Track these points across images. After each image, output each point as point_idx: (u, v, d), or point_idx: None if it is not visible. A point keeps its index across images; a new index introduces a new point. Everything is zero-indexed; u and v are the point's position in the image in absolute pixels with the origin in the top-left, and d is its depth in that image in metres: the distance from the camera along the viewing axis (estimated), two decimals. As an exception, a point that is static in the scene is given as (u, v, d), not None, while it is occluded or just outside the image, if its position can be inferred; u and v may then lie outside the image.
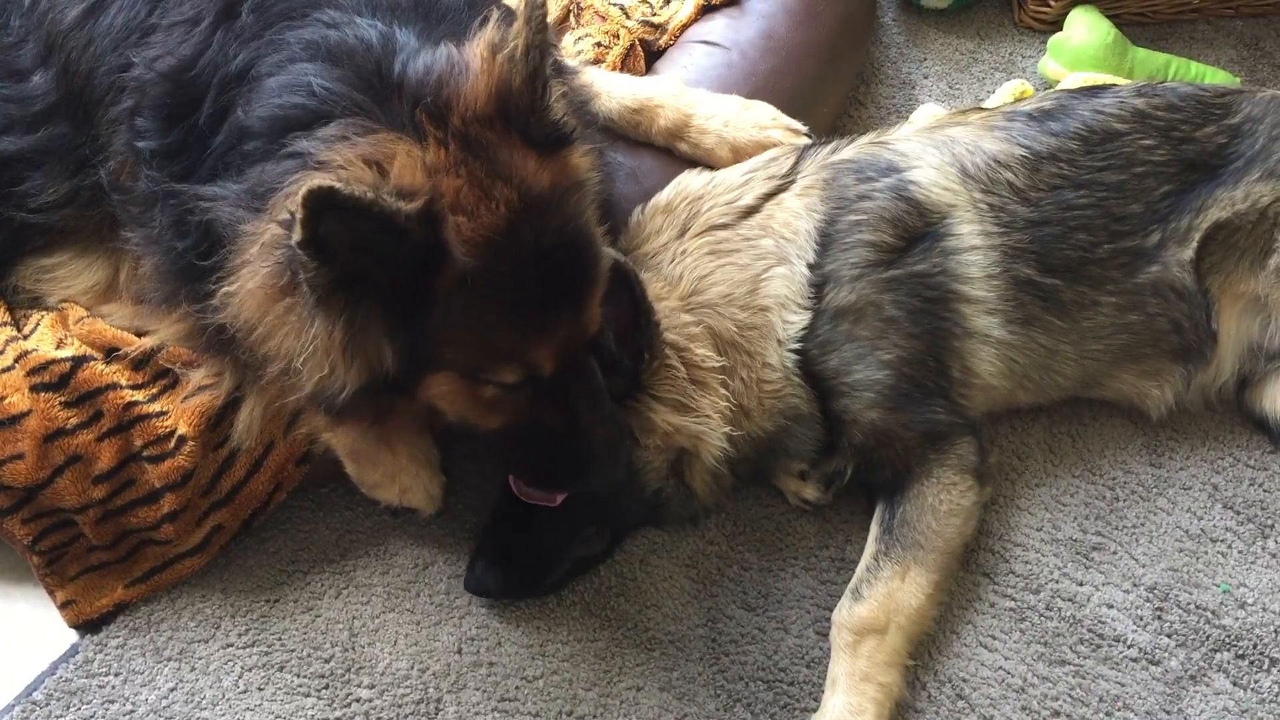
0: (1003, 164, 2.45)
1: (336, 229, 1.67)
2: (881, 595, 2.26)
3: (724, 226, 2.43)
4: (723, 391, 2.31)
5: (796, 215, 2.41)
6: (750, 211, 2.44)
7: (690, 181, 2.52)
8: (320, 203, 1.63)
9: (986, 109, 2.64)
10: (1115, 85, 2.69)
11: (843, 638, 2.25)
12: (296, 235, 1.66)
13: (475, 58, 1.83)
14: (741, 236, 2.42)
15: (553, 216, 1.87)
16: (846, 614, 2.26)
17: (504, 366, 1.94)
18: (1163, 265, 2.46)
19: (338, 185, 1.64)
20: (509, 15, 1.87)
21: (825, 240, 2.39)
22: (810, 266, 2.37)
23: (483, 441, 2.24)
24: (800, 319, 2.35)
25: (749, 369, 2.35)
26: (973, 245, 2.40)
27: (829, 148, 2.53)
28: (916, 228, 2.39)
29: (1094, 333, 2.48)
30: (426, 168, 1.78)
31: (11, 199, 2.31)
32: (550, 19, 1.80)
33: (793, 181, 2.47)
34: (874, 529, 2.37)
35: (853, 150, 2.51)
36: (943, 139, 2.50)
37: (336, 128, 1.82)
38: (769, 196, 2.46)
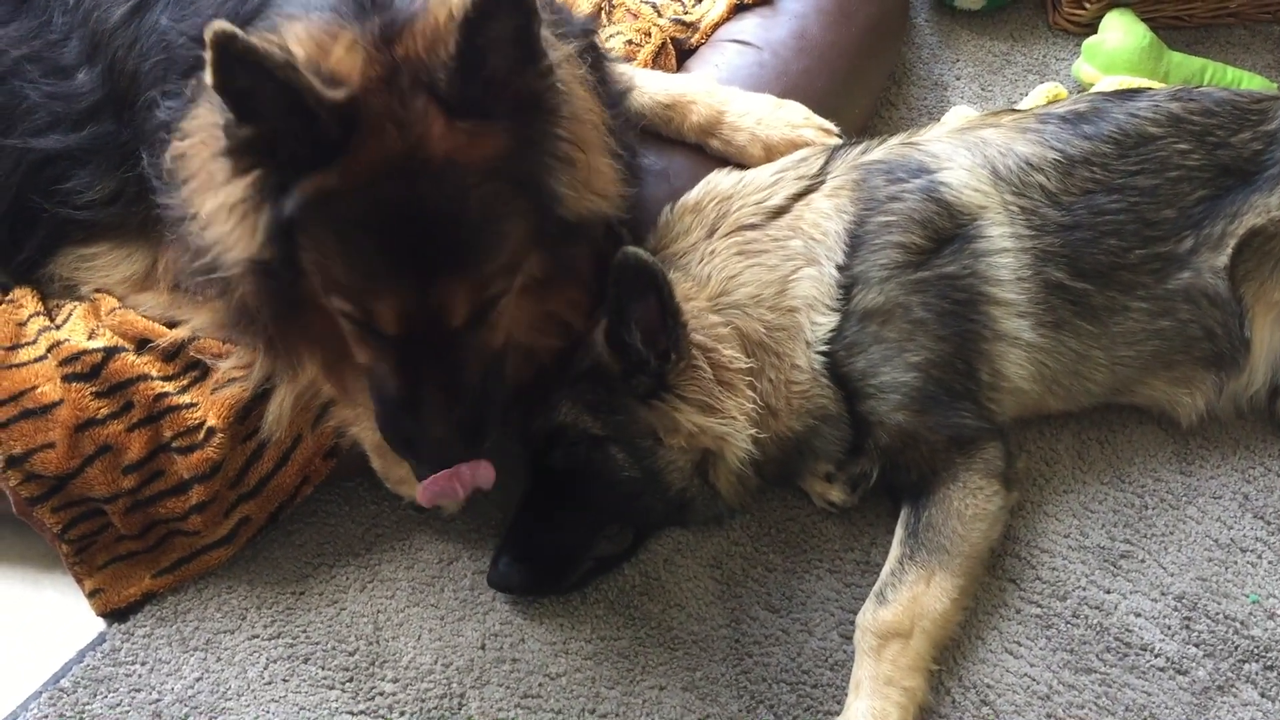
0: (1035, 167, 2.43)
1: (252, 85, 1.68)
2: (906, 599, 2.25)
3: (753, 227, 2.42)
4: (749, 393, 2.30)
5: (826, 216, 2.40)
6: (779, 212, 2.43)
7: (719, 181, 2.51)
8: (224, 48, 1.63)
9: (1020, 111, 2.61)
10: (1150, 89, 2.67)
11: (867, 641, 2.24)
12: (208, 76, 1.67)
13: (432, 3, 1.81)
14: (770, 237, 2.40)
15: (433, 183, 1.80)
16: (871, 618, 2.25)
17: (341, 298, 1.91)
18: (1195, 271, 2.44)
19: (240, 33, 1.63)
20: None
21: (855, 241, 2.37)
22: (839, 268, 2.36)
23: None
24: (829, 320, 2.34)
25: (777, 370, 2.34)
26: (1003, 248, 2.38)
27: (859, 148, 2.51)
28: (946, 229, 2.38)
29: (1125, 338, 2.46)
30: (364, 68, 1.77)
31: (56, 195, 2.33)
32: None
33: (822, 182, 2.45)
34: (899, 532, 2.36)
35: (883, 151, 2.50)
36: (974, 140, 2.48)
37: (302, 18, 1.84)
38: (798, 197, 2.44)
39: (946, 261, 2.37)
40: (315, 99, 1.69)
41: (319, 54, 1.76)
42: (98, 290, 2.42)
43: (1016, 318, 2.39)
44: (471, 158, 1.81)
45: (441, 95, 1.78)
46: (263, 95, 1.69)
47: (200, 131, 1.92)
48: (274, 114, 1.72)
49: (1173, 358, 2.49)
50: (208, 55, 1.64)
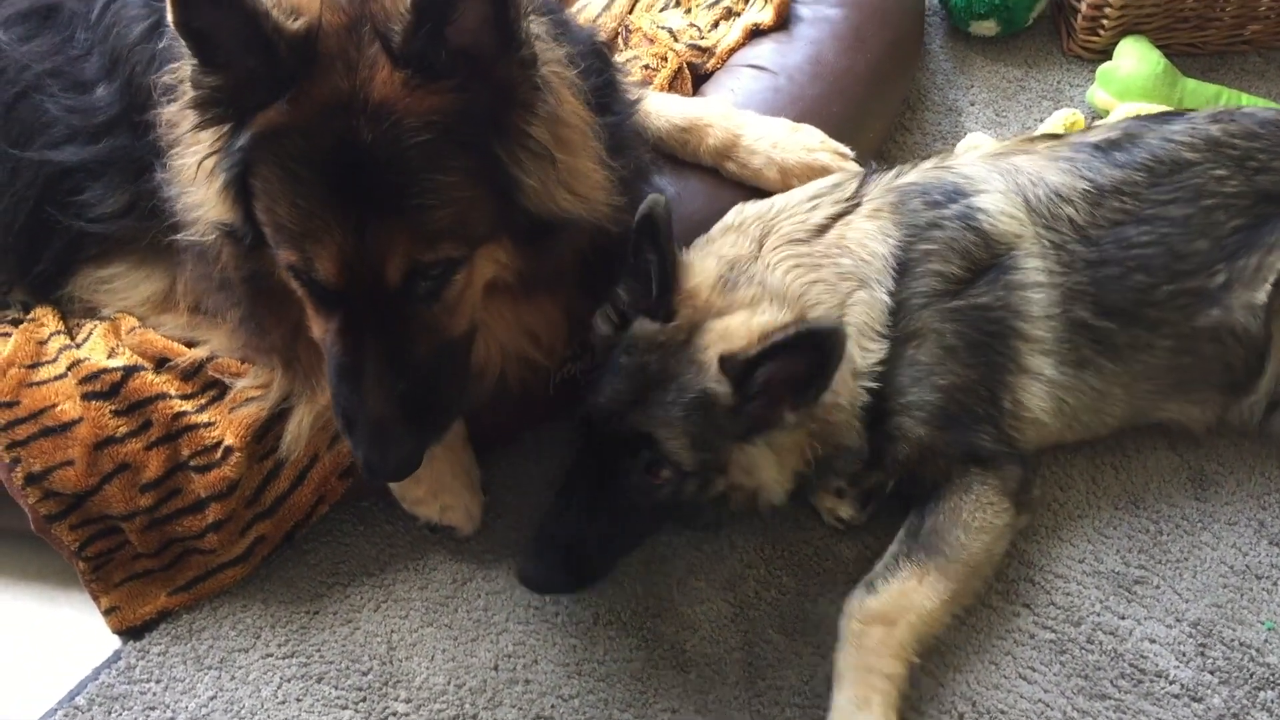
0: (1064, 198, 2.39)
1: (212, 20, 1.71)
2: (895, 592, 2.26)
3: (802, 241, 2.37)
4: (806, 437, 2.27)
5: (871, 237, 2.36)
6: (823, 229, 2.39)
7: (751, 207, 2.48)
8: None
9: (1053, 136, 2.59)
10: (1188, 111, 2.59)
11: (850, 627, 2.24)
12: (169, 14, 1.71)
13: None
14: (821, 253, 2.35)
15: (370, 125, 1.81)
16: (857, 604, 2.26)
17: (285, 245, 1.91)
18: (1225, 309, 2.40)
19: None
20: None
21: (901, 268, 2.34)
22: (890, 294, 2.32)
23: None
24: (878, 348, 2.30)
25: (828, 400, 2.25)
26: (1036, 281, 2.36)
27: (891, 173, 2.49)
28: (984, 260, 2.36)
29: (1145, 374, 2.44)
30: (326, 5, 1.81)
31: (71, 208, 2.35)
32: None
33: (859, 204, 2.42)
34: (900, 534, 2.36)
35: (917, 174, 2.47)
36: (1007, 167, 2.45)
37: None
38: (837, 218, 2.40)
39: (981, 292, 2.35)
40: (273, 27, 1.73)
41: None
42: (119, 311, 2.44)
43: (1041, 355, 2.37)
44: (410, 107, 1.83)
45: (392, 46, 1.81)
46: (224, 32, 1.72)
47: (184, 101, 1.95)
48: (235, 51, 1.75)
49: (1189, 385, 2.49)
50: None
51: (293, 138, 1.82)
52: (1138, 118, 2.67)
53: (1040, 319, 2.36)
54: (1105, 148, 2.46)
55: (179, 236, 2.09)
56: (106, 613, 2.38)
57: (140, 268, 2.40)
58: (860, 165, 2.66)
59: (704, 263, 2.33)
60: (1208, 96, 3.17)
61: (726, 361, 2.13)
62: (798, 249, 2.35)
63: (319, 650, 2.35)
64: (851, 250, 2.35)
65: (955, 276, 2.34)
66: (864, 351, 2.29)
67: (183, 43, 1.76)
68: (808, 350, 2.09)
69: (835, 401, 2.25)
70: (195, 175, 1.93)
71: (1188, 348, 2.42)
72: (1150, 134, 2.47)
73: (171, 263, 2.34)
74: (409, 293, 1.93)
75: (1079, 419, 2.46)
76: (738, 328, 2.19)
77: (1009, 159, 2.48)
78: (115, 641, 2.39)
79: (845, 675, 2.21)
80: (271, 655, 2.35)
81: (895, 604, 2.25)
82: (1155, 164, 2.41)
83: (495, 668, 2.34)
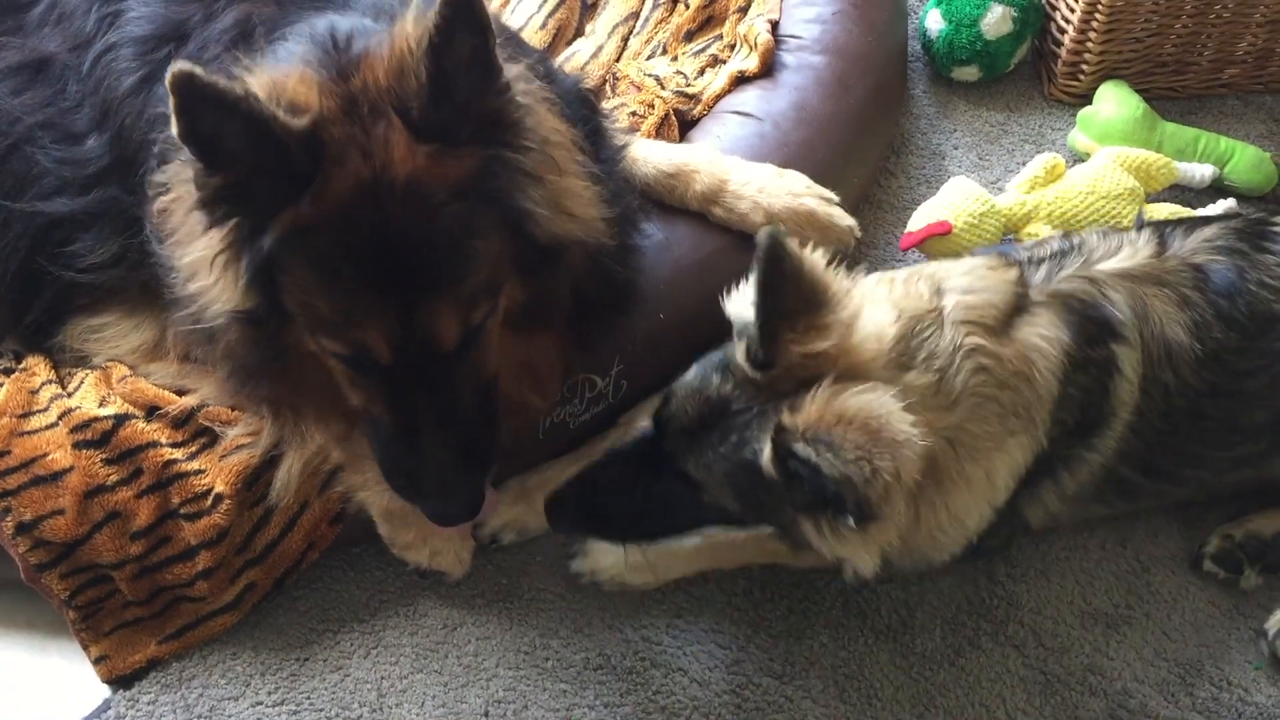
0: (1173, 363, 2.16)
1: (218, 127, 1.70)
2: None
3: (992, 332, 2.01)
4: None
5: (1049, 366, 2.04)
6: (1007, 320, 2.04)
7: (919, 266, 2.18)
8: (183, 88, 1.65)
9: (1191, 243, 2.25)
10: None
11: None
12: (173, 126, 1.70)
13: (397, 34, 1.84)
14: (1011, 366, 2.02)
15: (401, 206, 1.81)
16: None
17: (330, 336, 1.93)
18: (1259, 469, 2.36)
19: (199, 72, 1.65)
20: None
21: (1056, 407, 2.08)
22: (1040, 440, 2.09)
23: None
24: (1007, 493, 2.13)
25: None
26: (1100, 454, 2.21)
27: (1044, 267, 2.16)
28: (1090, 421, 2.16)
29: (1149, 506, 2.46)
30: (321, 98, 1.80)
31: (61, 258, 2.36)
32: (482, 16, 1.75)
33: (1027, 296, 2.10)
34: None
35: (1074, 284, 2.13)
36: (1143, 308, 2.14)
37: (275, 64, 1.90)
38: (1016, 309, 2.07)
39: (1063, 445, 2.16)
40: (281, 128, 1.73)
41: (276, 89, 1.79)
42: (110, 360, 2.46)
43: (1058, 500, 2.26)
44: (437, 179, 1.83)
45: (413, 121, 1.81)
46: (229, 135, 1.72)
47: (178, 186, 1.97)
48: (242, 154, 1.75)
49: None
50: (170, 101, 1.66)
51: (323, 235, 1.81)
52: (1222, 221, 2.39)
53: (1082, 476, 2.23)
54: (1228, 293, 2.18)
55: (177, 316, 2.10)
56: (96, 661, 2.37)
57: (131, 317, 2.42)
58: (844, 209, 2.68)
59: (878, 311, 1.99)
60: (1186, 140, 3.21)
61: (778, 435, 1.83)
62: (987, 344, 2.00)
63: (309, 698, 2.35)
64: (1035, 380, 2.04)
65: (1067, 424, 2.13)
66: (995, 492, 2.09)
67: (186, 150, 1.75)
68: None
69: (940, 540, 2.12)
70: (208, 271, 1.91)
71: (1206, 493, 2.45)
72: (1251, 269, 2.22)
73: (161, 312, 2.36)
74: (458, 353, 1.96)
75: (1063, 523, 2.46)
76: (848, 407, 1.80)
77: (1145, 291, 2.16)
78: (105, 691, 2.38)
79: None
80: (262, 703, 2.34)
81: None
82: (1248, 321, 2.19)
83: (486, 714, 2.34)
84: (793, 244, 1.86)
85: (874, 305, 1.99)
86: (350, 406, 2.09)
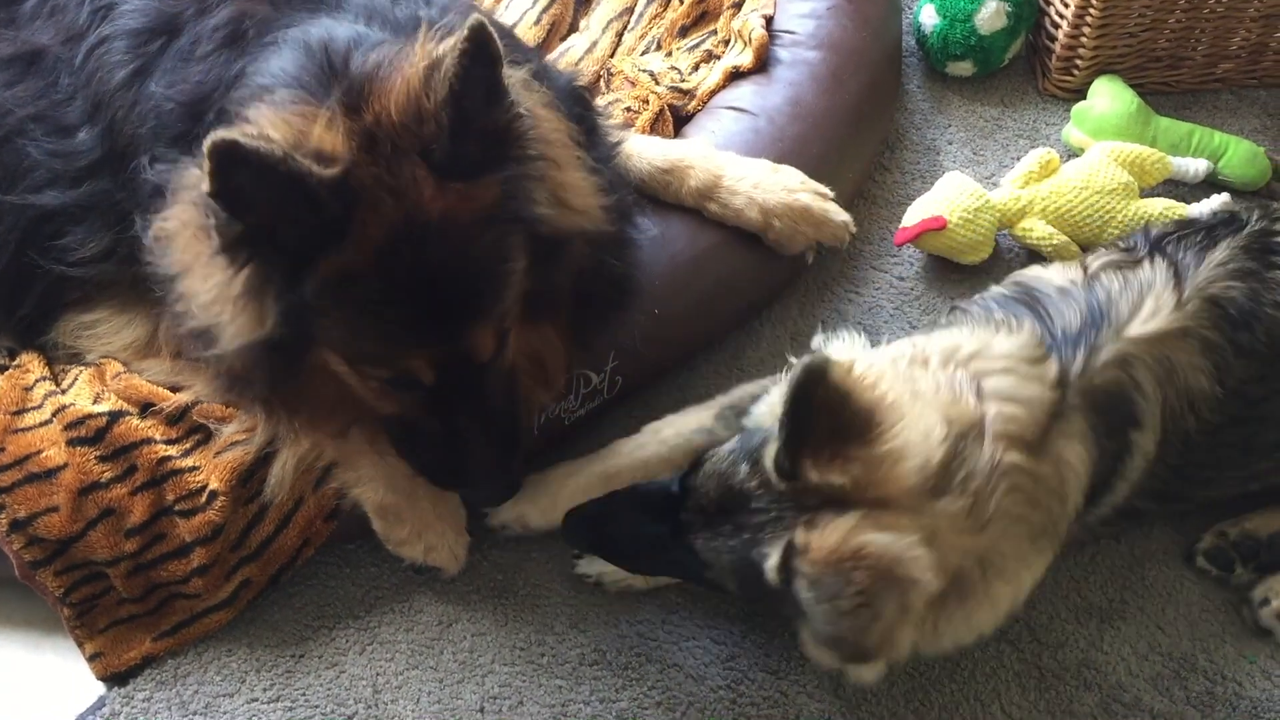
0: (1194, 407, 2.13)
1: (249, 183, 1.72)
2: None
3: (1030, 449, 1.95)
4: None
5: (1079, 484, 2.04)
6: (1043, 437, 1.98)
7: (953, 336, 2.10)
8: (224, 156, 1.67)
9: (1205, 273, 2.19)
10: None
11: None
12: (205, 186, 1.72)
13: (404, 64, 1.86)
14: (1046, 485, 1.99)
15: (438, 245, 1.86)
16: None
17: (373, 365, 2.01)
18: (1266, 482, 2.39)
19: (242, 139, 1.67)
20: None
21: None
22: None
23: (385, 426, 2.25)
24: None
25: None
26: (1108, 507, 2.19)
27: (1081, 355, 2.06)
28: (1099, 492, 2.14)
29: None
30: (346, 142, 1.82)
31: (51, 252, 2.36)
32: (495, 49, 1.78)
33: (1065, 404, 2.02)
34: None
35: (1105, 374, 2.06)
36: (1169, 367, 2.10)
37: (271, 96, 1.90)
38: (1052, 414, 1.99)
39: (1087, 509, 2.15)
40: (317, 181, 1.74)
41: (300, 137, 1.80)
42: (103, 357, 2.45)
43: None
44: (465, 213, 1.87)
45: (436, 163, 1.84)
46: (257, 190, 1.73)
47: (181, 215, 1.97)
48: (269, 205, 1.76)
49: None
50: (205, 165, 1.69)
51: (365, 281, 1.85)
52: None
53: (1089, 521, 2.20)
54: (1246, 323, 2.16)
55: (173, 323, 2.15)
56: (91, 659, 2.37)
57: (123, 313, 2.41)
58: (839, 204, 2.68)
59: (927, 424, 1.87)
60: (1180, 134, 3.21)
61: (788, 552, 1.80)
62: (1024, 462, 1.94)
63: (304, 694, 2.35)
64: (1066, 498, 2.03)
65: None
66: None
67: (197, 192, 1.78)
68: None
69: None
70: (227, 308, 1.93)
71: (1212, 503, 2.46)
72: (1265, 290, 2.19)
73: (153, 308, 2.35)
74: (491, 359, 2.07)
75: None
76: (866, 545, 1.74)
77: (1170, 348, 2.11)
78: (100, 688, 2.38)
79: None
80: (257, 700, 2.34)
81: None
82: (1266, 349, 2.16)
83: (481, 709, 2.34)
84: (838, 371, 1.78)
85: (922, 415, 1.88)
86: (352, 410, 2.17)
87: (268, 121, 1.83)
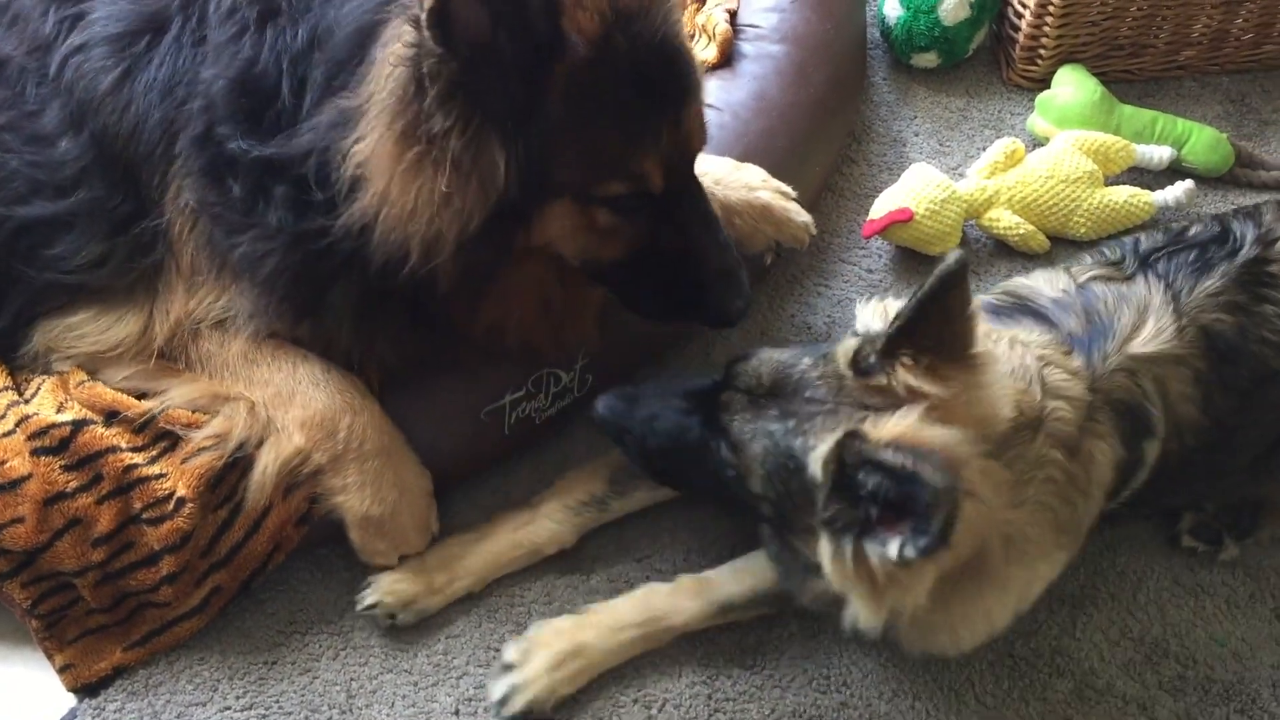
0: (1180, 434, 2.14)
1: (464, 8, 1.76)
2: None
3: (1068, 449, 1.98)
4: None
5: (1100, 491, 2.07)
6: (1079, 438, 2.00)
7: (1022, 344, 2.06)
8: None
9: (1198, 299, 2.18)
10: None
11: None
12: (423, 14, 1.76)
13: None
14: (1076, 485, 2.02)
15: (643, 25, 1.96)
16: None
17: (612, 179, 2.03)
18: (1232, 494, 2.46)
19: None
20: None
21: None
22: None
23: (606, 281, 2.27)
24: None
25: None
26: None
27: (1095, 361, 2.08)
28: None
29: None
30: None
31: (38, 261, 2.33)
32: None
33: (1095, 413, 2.04)
34: None
35: (1115, 378, 2.07)
36: (1165, 390, 2.11)
37: None
38: (1086, 419, 2.02)
39: None
40: None
41: None
42: (88, 358, 2.40)
43: None
44: None
45: None
46: (472, 18, 1.77)
47: (378, 126, 1.93)
48: (488, 21, 1.79)
49: None
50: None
51: (600, 69, 1.91)
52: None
53: None
54: (1232, 358, 2.15)
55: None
56: (61, 670, 2.35)
57: (112, 311, 2.36)
58: (803, 201, 2.67)
59: (1001, 400, 1.87)
60: (1144, 122, 3.24)
61: (848, 440, 1.71)
62: (1064, 461, 1.98)
63: (277, 701, 2.34)
64: (1091, 497, 2.06)
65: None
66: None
67: (430, 41, 1.78)
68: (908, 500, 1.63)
69: None
70: (453, 189, 1.91)
71: None
72: (1252, 326, 2.17)
73: (143, 303, 2.33)
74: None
75: None
76: (937, 437, 1.71)
77: (1166, 373, 2.12)
78: (70, 699, 2.36)
79: None
80: (230, 708, 2.33)
81: None
82: (1249, 384, 2.17)
83: (456, 712, 2.33)
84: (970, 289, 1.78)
85: (1001, 391, 1.87)
86: (543, 289, 2.23)
87: None
